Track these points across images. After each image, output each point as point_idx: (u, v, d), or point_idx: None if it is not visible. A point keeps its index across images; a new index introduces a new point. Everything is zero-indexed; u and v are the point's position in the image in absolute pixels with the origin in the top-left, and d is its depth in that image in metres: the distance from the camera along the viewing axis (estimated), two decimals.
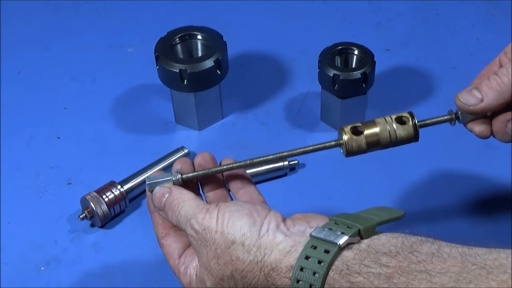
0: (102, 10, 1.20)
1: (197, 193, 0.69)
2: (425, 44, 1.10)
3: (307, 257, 0.56)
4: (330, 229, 0.58)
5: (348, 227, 0.58)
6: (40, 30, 1.16)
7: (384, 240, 0.56)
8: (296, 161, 0.91)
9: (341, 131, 0.71)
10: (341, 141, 0.71)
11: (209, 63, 0.90)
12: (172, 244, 0.67)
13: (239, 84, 1.04)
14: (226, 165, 0.72)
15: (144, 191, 0.89)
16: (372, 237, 0.57)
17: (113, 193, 0.84)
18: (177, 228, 0.67)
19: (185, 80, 0.90)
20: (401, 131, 0.70)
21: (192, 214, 0.63)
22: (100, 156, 0.94)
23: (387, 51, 1.09)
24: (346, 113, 0.94)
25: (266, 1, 1.20)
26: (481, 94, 0.68)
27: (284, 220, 0.63)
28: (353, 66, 0.94)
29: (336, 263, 0.55)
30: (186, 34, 0.95)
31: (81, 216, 0.83)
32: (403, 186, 0.88)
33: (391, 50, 1.09)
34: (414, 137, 0.70)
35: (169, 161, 0.90)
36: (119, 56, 1.10)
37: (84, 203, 0.84)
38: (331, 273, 0.55)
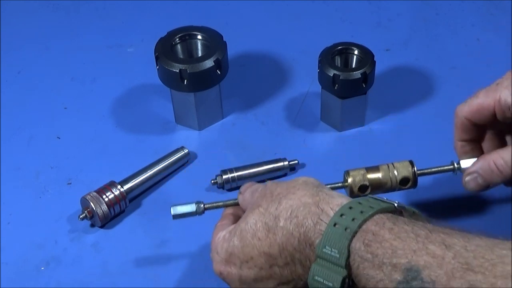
0: (102, 10, 1.20)
1: None
2: (425, 44, 1.10)
3: (359, 203, 0.60)
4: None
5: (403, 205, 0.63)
6: (40, 30, 1.16)
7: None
8: (296, 161, 0.91)
9: (346, 175, 0.79)
10: (346, 184, 0.79)
11: (209, 63, 0.90)
12: (221, 227, 0.71)
13: (239, 84, 1.04)
14: None
15: (144, 191, 0.89)
16: None
17: (113, 193, 0.84)
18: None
19: (185, 80, 0.90)
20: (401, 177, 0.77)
21: None
22: (100, 156, 0.94)
23: (387, 51, 1.09)
24: (346, 113, 0.94)
25: (266, 1, 1.20)
26: (486, 181, 0.74)
27: None
28: (353, 66, 0.94)
29: (386, 213, 0.59)
30: (186, 34, 0.95)
31: (81, 216, 0.83)
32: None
33: (391, 50, 1.09)
34: (412, 184, 0.78)
35: (169, 161, 0.90)
36: (119, 56, 1.10)
37: (84, 203, 0.84)
38: (377, 216, 0.58)
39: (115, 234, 0.84)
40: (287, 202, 0.63)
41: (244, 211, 0.71)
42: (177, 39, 0.95)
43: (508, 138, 0.78)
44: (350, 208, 0.59)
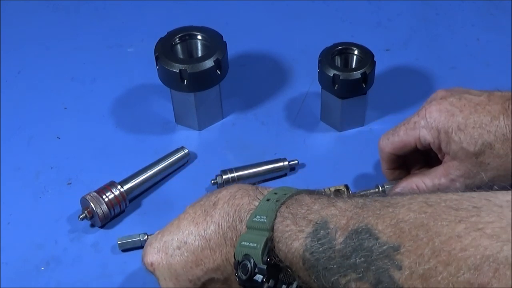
0: (102, 10, 1.20)
1: None
2: (425, 44, 1.10)
3: (290, 187, 0.64)
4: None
5: None
6: (40, 30, 1.16)
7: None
8: (296, 161, 0.91)
9: None
10: None
11: (209, 63, 0.90)
12: None
13: (239, 84, 1.04)
14: None
15: (144, 191, 0.89)
16: None
17: (113, 193, 0.84)
18: None
19: (185, 80, 0.90)
20: None
21: None
22: (100, 156, 0.94)
23: (387, 51, 1.09)
24: (346, 113, 0.94)
25: (266, 1, 1.20)
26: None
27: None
28: (353, 66, 0.94)
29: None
30: (186, 34, 0.95)
31: (81, 216, 0.83)
32: None
33: (391, 50, 1.09)
34: None
35: (169, 161, 0.90)
36: (119, 56, 1.10)
37: (84, 203, 0.84)
38: (301, 192, 0.63)
39: (115, 234, 0.84)
40: (227, 190, 0.67)
41: None
42: (177, 39, 0.95)
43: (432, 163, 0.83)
44: (283, 189, 0.64)
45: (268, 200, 0.62)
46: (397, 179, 0.84)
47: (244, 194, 0.66)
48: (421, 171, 0.82)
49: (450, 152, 0.75)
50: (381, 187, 0.85)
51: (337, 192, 0.83)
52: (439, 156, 0.78)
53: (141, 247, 0.82)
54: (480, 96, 0.75)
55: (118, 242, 0.81)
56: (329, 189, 0.83)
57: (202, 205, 0.68)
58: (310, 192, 0.64)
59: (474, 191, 0.52)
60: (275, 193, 0.63)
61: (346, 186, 0.84)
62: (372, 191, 0.85)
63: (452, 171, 0.75)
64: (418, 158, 0.83)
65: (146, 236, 0.81)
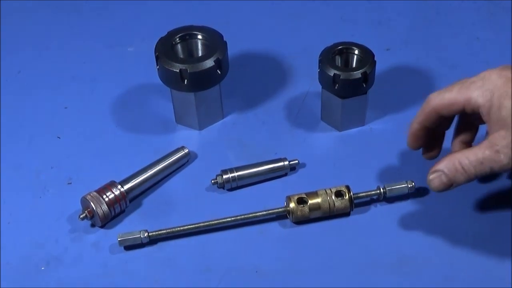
0: (102, 10, 1.20)
1: None
2: (425, 43, 1.10)
3: None
4: None
5: None
6: (40, 30, 1.16)
7: None
8: (297, 161, 0.91)
9: (287, 200, 0.84)
10: (288, 208, 0.83)
11: (209, 63, 0.90)
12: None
13: (239, 84, 1.04)
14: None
15: (144, 191, 0.89)
16: None
17: (113, 193, 0.84)
18: None
19: (185, 80, 0.90)
20: (338, 203, 0.83)
21: None
22: (100, 156, 0.94)
23: (387, 50, 1.09)
24: (347, 113, 0.94)
25: (266, 1, 1.20)
26: (450, 181, 0.77)
27: None
28: (353, 65, 0.94)
29: None
30: (186, 34, 0.95)
31: (81, 216, 0.83)
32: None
33: (391, 50, 1.09)
34: (349, 209, 0.84)
35: (170, 160, 0.90)
36: (119, 56, 1.10)
37: (85, 203, 0.84)
38: None
39: (115, 234, 0.83)
40: None
41: None
42: (177, 39, 0.95)
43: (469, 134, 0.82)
44: None
45: None
46: (416, 146, 0.82)
47: None
48: (463, 148, 0.79)
49: (498, 119, 0.72)
50: (383, 189, 0.85)
51: (338, 193, 0.84)
52: (487, 126, 0.75)
53: (142, 244, 0.82)
54: None
55: (119, 239, 0.81)
56: (330, 190, 0.84)
57: None
58: None
59: None
60: None
61: (347, 187, 0.84)
62: (373, 192, 0.85)
63: (498, 141, 0.72)
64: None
65: (147, 233, 0.81)
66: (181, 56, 0.95)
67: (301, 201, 0.83)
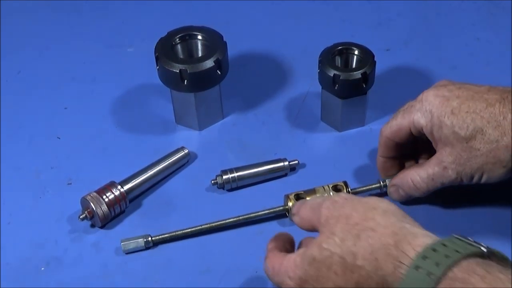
0: (102, 10, 1.20)
1: None
2: (425, 44, 1.10)
3: (444, 245, 0.56)
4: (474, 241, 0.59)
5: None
6: (40, 30, 1.16)
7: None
8: (297, 161, 0.91)
9: (286, 198, 0.83)
10: (287, 207, 0.83)
11: (209, 63, 0.90)
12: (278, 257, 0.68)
13: (239, 84, 1.04)
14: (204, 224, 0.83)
15: (144, 191, 0.89)
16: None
17: (113, 193, 0.84)
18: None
19: (185, 80, 0.90)
20: None
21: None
22: (100, 156, 0.94)
23: (387, 51, 1.09)
24: (346, 113, 0.94)
25: (266, 1, 1.20)
26: (406, 194, 0.82)
27: None
28: (353, 66, 0.94)
29: (475, 258, 0.56)
30: (186, 34, 0.95)
31: (81, 217, 0.83)
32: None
33: (391, 50, 1.09)
34: None
35: (169, 161, 0.90)
36: (119, 56, 1.10)
37: (84, 203, 0.84)
38: (466, 261, 0.55)
39: (115, 235, 0.84)
40: (367, 240, 0.60)
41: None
42: (177, 39, 0.95)
43: (423, 157, 0.85)
44: (434, 250, 0.55)
45: (417, 268, 0.55)
46: (389, 175, 0.85)
47: (386, 256, 0.58)
48: (415, 165, 0.83)
49: (441, 137, 0.76)
50: (383, 182, 0.85)
51: (335, 188, 0.84)
52: (433, 144, 0.78)
53: (145, 248, 0.82)
54: (480, 87, 0.76)
55: (122, 243, 0.81)
56: (328, 186, 0.84)
57: (339, 247, 0.61)
58: (470, 263, 0.54)
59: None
60: (425, 258, 0.55)
61: (345, 183, 0.85)
62: (374, 186, 0.86)
63: (445, 158, 0.76)
64: (412, 153, 0.85)
65: (150, 238, 0.81)
66: (181, 57, 0.95)
67: (299, 198, 0.83)
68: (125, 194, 0.85)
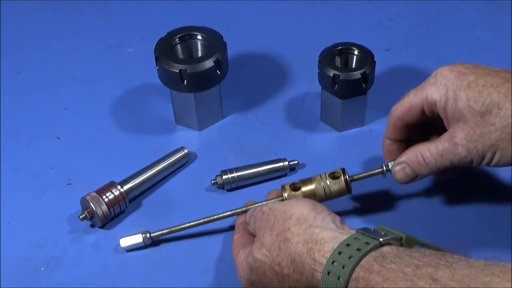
0: (102, 10, 1.20)
1: None
2: (425, 44, 1.10)
3: (347, 245, 0.62)
4: (375, 230, 0.64)
5: (392, 233, 0.64)
6: (40, 30, 1.16)
7: (420, 249, 0.61)
8: (296, 161, 0.91)
9: (282, 189, 0.82)
10: (282, 198, 0.81)
11: (209, 63, 0.90)
12: (240, 244, 0.76)
13: (239, 84, 1.04)
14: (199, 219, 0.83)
15: (144, 191, 0.89)
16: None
17: (113, 193, 0.84)
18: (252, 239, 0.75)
19: (185, 81, 0.90)
20: (334, 186, 0.80)
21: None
22: (100, 156, 0.94)
23: (387, 51, 1.09)
24: (346, 113, 0.94)
25: (266, 1, 1.20)
26: (414, 173, 0.78)
27: (340, 220, 0.69)
28: (353, 66, 0.94)
29: (373, 252, 0.60)
30: (186, 34, 0.95)
31: (81, 217, 0.83)
32: (403, 185, 0.88)
33: (391, 50, 1.09)
34: (346, 191, 0.81)
35: (169, 161, 0.90)
36: (119, 56, 1.10)
37: (84, 203, 0.84)
38: (365, 258, 0.60)
39: (115, 235, 0.84)
40: (286, 250, 0.66)
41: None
42: (177, 39, 0.95)
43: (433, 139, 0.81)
44: (340, 253, 0.61)
45: (329, 273, 0.61)
46: (393, 155, 0.81)
47: (303, 265, 0.64)
48: (424, 143, 0.79)
49: (455, 112, 0.73)
50: (385, 167, 0.81)
51: (333, 175, 0.81)
52: (445, 123, 0.75)
53: (144, 246, 0.82)
54: (496, 68, 0.74)
55: (121, 240, 0.81)
56: (325, 174, 0.81)
57: (267, 257, 0.68)
58: (369, 259, 0.60)
59: None
60: (333, 262, 0.61)
61: (343, 170, 0.82)
62: (376, 171, 0.82)
63: (456, 133, 0.73)
64: (420, 139, 0.81)
65: (149, 235, 0.81)
66: (181, 57, 0.95)
67: (295, 188, 0.81)
68: (125, 194, 0.85)
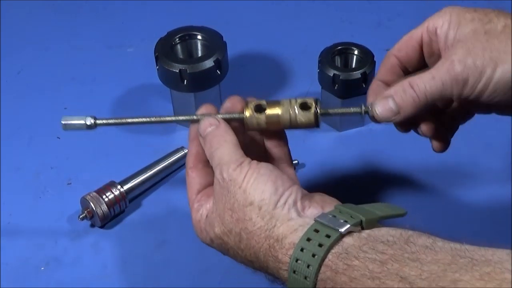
0: (102, 10, 1.20)
1: (241, 140, 0.68)
2: None
3: (308, 239, 0.58)
4: (334, 216, 0.60)
5: (351, 216, 0.60)
6: (40, 30, 1.16)
7: (383, 232, 0.58)
8: (296, 161, 0.91)
9: (245, 105, 0.71)
10: (242, 115, 0.70)
11: (209, 63, 0.90)
12: (196, 178, 0.70)
13: (239, 84, 1.04)
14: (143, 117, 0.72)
15: (144, 191, 0.89)
16: (372, 229, 0.59)
17: (113, 193, 0.84)
18: (207, 164, 0.68)
19: (185, 80, 0.90)
20: (301, 116, 0.69)
21: (225, 161, 0.65)
22: (100, 156, 0.94)
23: (387, 51, 1.08)
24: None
25: (266, 1, 1.20)
26: (397, 107, 0.68)
27: (302, 197, 0.63)
28: (353, 66, 0.94)
29: (336, 247, 0.57)
30: (186, 34, 0.95)
31: (81, 216, 0.83)
32: (403, 186, 0.88)
33: None
34: (314, 124, 0.70)
35: (169, 161, 0.90)
36: (119, 56, 1.10)
37: (84, 203, 0.84)
38: (329, 256, 0.57)
39: (115, 234, 0.84)
40: (248, 242, 0.63)
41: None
42: (177, 39, 0.95)
43: None
44: (302, 250, 0.58)
45: (294, 272, 0.58)
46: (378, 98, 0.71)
47: (266, 261, 0.62)
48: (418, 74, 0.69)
49: (457, 35, 0.67)
50: (364, 107, 0.70)
51: (304, 105, 0.69)
52: (442, 54, 0.69)
53: (86, 127, 0.76)
54: None
55: (62, 122, 0.74)
56: (296, 100, 0.69)
57: (228, 237, 0.65)
58: (333, 258, 0.57)
59: None
60: (297, 260, 0.58)
61: (316, 100, 0.69)
62: (354, 109, 0.71)
63: (454, 51, 0.66)
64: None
65: (94, 121, 0.74)
66: (181, 57, 0.95)
67: (259, 109, 0.70)
68: (125, 194, 0.85)
